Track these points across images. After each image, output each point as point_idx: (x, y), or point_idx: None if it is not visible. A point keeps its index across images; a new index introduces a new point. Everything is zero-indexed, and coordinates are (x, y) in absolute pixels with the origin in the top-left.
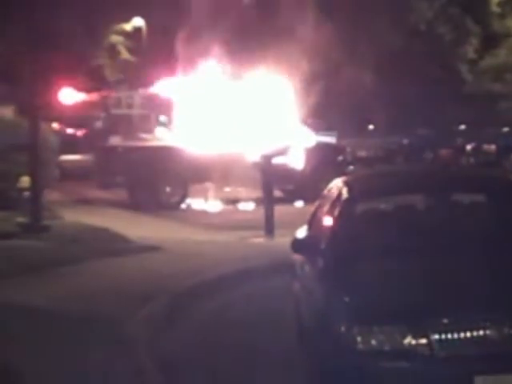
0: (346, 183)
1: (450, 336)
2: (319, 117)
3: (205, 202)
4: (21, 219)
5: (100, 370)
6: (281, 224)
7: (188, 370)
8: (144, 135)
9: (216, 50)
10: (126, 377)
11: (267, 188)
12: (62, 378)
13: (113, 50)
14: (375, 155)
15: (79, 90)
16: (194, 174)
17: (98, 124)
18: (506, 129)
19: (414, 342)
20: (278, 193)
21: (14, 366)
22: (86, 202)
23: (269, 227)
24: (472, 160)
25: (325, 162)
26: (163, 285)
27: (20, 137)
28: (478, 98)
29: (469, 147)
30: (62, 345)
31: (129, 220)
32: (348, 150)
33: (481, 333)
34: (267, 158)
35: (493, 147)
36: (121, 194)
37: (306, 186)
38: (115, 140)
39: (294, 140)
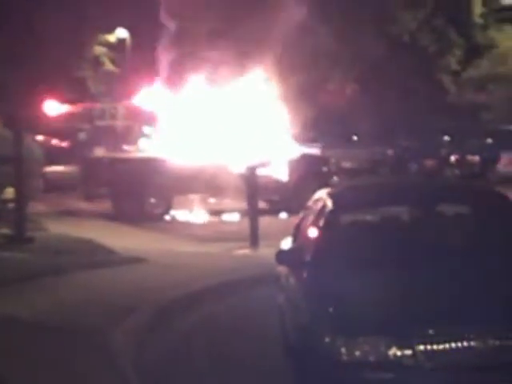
0: (331, 195)
1: (435, 347)
2: (304, 128)
3: (189, 214)
4: (5, 230)
5: (83, 381)
6: (265, 235)
7: (168, 379)
8: (128, 147)
9: (199, 61)
10: None
11: (252, 199)
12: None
13: (96, 62)
14: (360, 166)
15: (63, 101)
16: (179, 186)
17: (83, 135)
18: (489, 140)
19: (399, 353)
20: (262, 204)
21: None
22: (71, 214)
23: (253, 239)
24: (456, 171)
25: (309, 173)
26: (147, 296)
27: (4, 148)
28: (462, 109)
29: (453, 158)
30: (45, 356)
31: (113, 231)
32: (332, 160)
33: (465, 344)
34: (252, 170)
35: (477, 158)
36: (105, 206)
37: (290, 197)
38: (99, 151)
39: (278, 151)
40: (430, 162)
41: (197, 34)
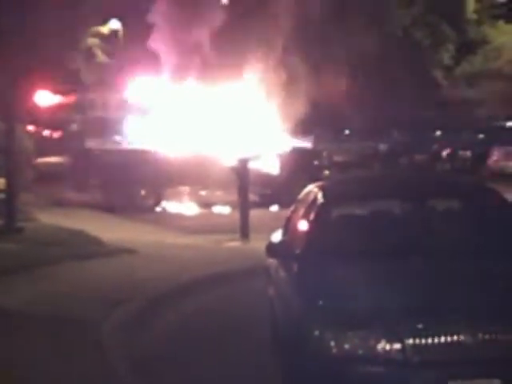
0: (322, 188)
1: (424, 341)
2: (296, 122)
3: (180, 206)
4: None
5: (72, 371)
6: (256, 228)
7: (158, 371)
8: (119, 138)
9: (192, 53)
10: (97, 378)
11: (243, 192)
12: (32, 378)
13: (89, 53)
14: (351, 160)
15: (55, 92)
16: (170, 177)
17: (74, 127)
18: (481, 135)
19: (387, 347)
20: (253, 197)
21: None
22: (61, 205)
23: (244, 231)
24: (447, 166)
25: (301, 166)
26: (137, 288)
27: None
28: (454, 105)
29: (444, 153)
30: (33, 346)
31: (103, 222)
32: (324, 154)
33: (455, 338)
34: (243, 162)
35: (468, 153)
36: (96, 197)
37: (281, 190)
38: (91, 143)
39: (270, 144)
40: (421, 157)
41: (189, 28)
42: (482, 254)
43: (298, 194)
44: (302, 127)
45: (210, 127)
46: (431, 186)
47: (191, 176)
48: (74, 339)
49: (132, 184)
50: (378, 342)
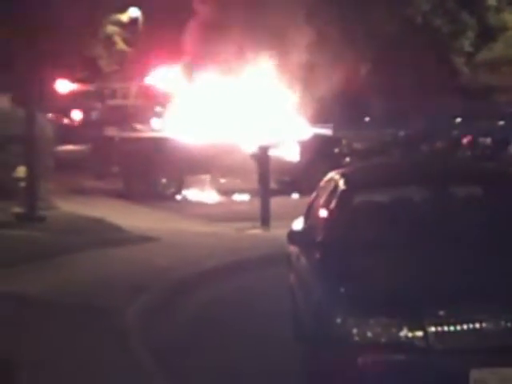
0: (343, 175)
1: (446, 329)
2: (316, 109)
3: (201, 194)
4: (16, 209)
5: (95, 359)
6: (277, 216)
7: (180, 358)
8: (140, 126)
9: (213, 41)
10: (121, 365)
11: (263, 179)
12: (59, 365)
13: (109, 41)
14: (371, 147)
15: (75, 80)
16: (190, 165)
17: (94, 115)
18: (501, 122)
19: (410, 334)
20: (274, 184)
21: (13, 356)
22: (82, 193)
23: (265, 219)
24: (468, 153)
25: (321, 154)
26: (158, 275)
27: (16, 127)
28: (474, 91)
29: (465, 140)
30: (59, 334)
31: (124, 210)
32: (344, 142)
33: (477, 326)
34: (264, 150)
35: (488, 140)
36: (116, 185)
37: (302, 177)
38: (111, 131)
39: (290, 132)
40: (441, 144)
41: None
42: (506, 241)
43: (319, 181)
44: (322, 114)
45: (231, 114)
46: (453, 172)
47: (212, 164)
48: (98, 326)
49: (153, 172)
50: (400, 329)
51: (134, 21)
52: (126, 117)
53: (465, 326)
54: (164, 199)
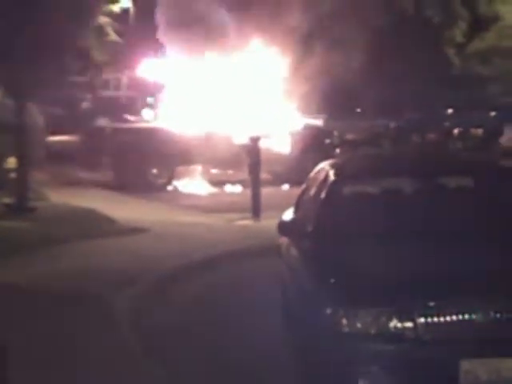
0: (333, 166)
1: (436, 319)
2: (307, 100)
3: (192, 184)
4: (6, 200)
5: (84, 348)
6: (267, 206)
7: (169, 348)
8: (131, 117)
9: (203, 30)
10: (111, 352)
11: (254, 170)
12: (47, 352)
13: (100, 31)
14: (362, 138)
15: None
16: (181, 156)
17: (85, 105)
18: (493, 113)
19: (399, 325)
20: (264, 175)
21: (3, 343)
22: (72, 184)
23: (255, 209)
24: (459, 144)
25: (312, 144)
26: (148, 266)
27: (6, 117)
28: (466, 82)
29: (456, 131)
30: (48, 322)
31: (115, 201)
32: (335, 133)
33: (467, 317)
34: (255, 141)
35: (480, 131)
36: (107, 176)
37: (293, 168)
38: (102, 121)
39: (281, 123)
40: (432, 135)
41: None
42: (495, 232)
43: (310, 172)
44: (314, 105)
45: (222, 105)
46: (443, 163)
47: (203, 154)
48: (88, 316)
49: (144, 163)
50: (390, 320)
51: (125, 11)
52: (117, 108)
53: (454, 317)
54: (155, 190)
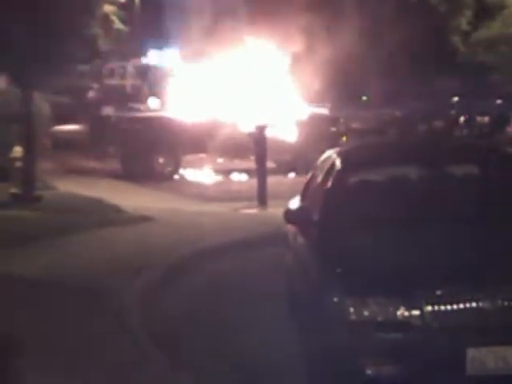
0: (339, 154)
1: (443, 308)
2: (313, 88)
3: (198, 173)
4: (13, 189)
5: (93, 338)
6: (274, 195)
7: (176, 339)
8: (137, 105)
9: (210, 20)
10: (121, 343)
11: (260, 159)
12: (61, 344)
13: (106, 20)
14: (368, 127)
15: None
16: (188, 145)
17: (92, 94)
18: (499, 101)
19: (407, 313)
20: (271, 164)
21: (15, 335)
22: (79, 173)
23: (262, 198)
24: (465, 132)
25: (318, 133)
26: (155, 255)
27: (13, 106)
28: (472, 70)
29: (462, 119)
30: (61, 313)
31: (122, 190)
32: (341, 121)
33: (474, 305)
34: (261, 129)
35: (486, 119)
36: (114, 165)
37: (299, 157)
38: (108, 110)
39: (287, 111)
40: (439, 123)
41: None
42: (503, 219)
43: (316, 160)
44: (320, 94)
45: (229, 94)
46: (450, 151)
47: (209, 143)
48: (95, 306)
49: (150, 152)
50: (397, 308)
51: (131, 0)
52: (123, 96)
53: (461, 305)
54: (161, 179)
